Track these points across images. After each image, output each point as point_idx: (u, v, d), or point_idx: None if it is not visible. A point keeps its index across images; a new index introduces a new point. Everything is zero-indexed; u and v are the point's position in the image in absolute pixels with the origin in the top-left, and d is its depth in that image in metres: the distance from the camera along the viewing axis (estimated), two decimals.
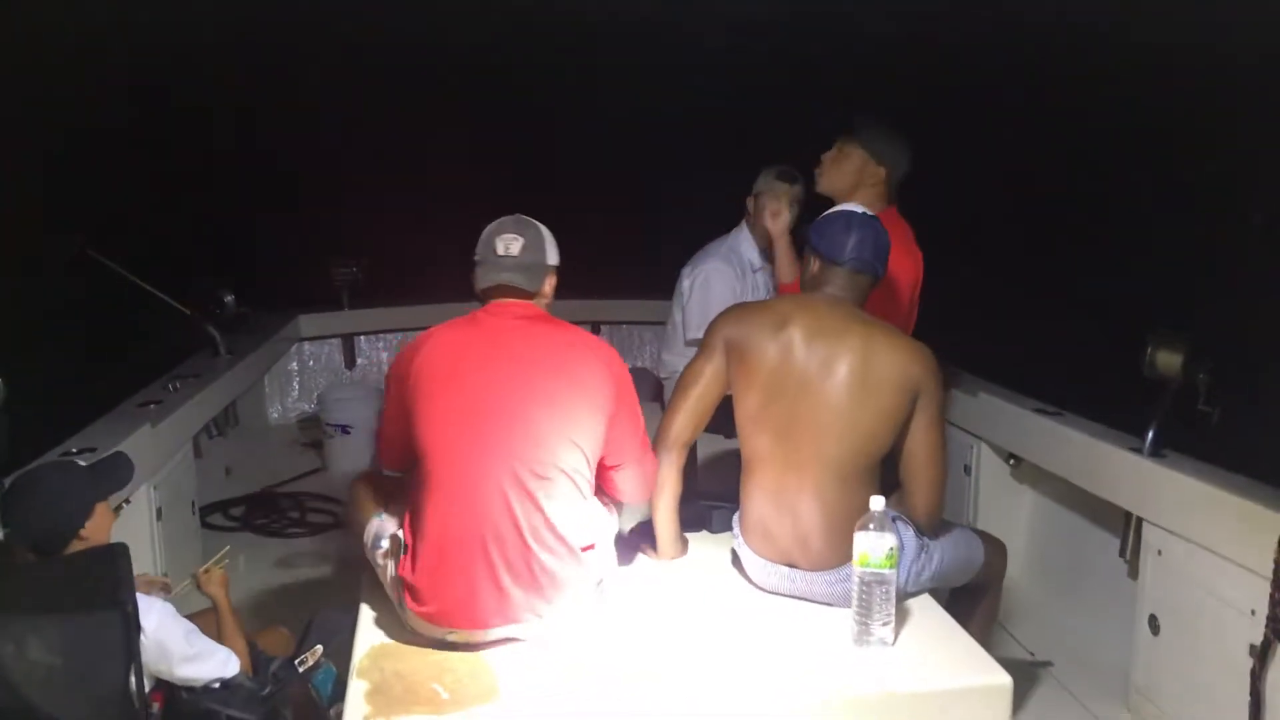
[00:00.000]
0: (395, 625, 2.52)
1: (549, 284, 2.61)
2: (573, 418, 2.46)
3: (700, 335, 4.26)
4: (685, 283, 4.40)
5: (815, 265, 2.70)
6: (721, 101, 7.45)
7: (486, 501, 2.38)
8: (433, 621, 2.42)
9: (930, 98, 6.23)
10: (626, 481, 2.69)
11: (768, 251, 4.41)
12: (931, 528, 2.68)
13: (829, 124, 3.70)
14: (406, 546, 2.47)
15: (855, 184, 3.60)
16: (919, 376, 2.54)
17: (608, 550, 2.69)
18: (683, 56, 7.10)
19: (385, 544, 2.58)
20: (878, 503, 2.34)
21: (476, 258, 2.59)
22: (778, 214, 3.84)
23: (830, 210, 2.78)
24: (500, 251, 2.54)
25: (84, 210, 5.82)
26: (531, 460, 2.40)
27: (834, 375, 2.54)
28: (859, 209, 2.72)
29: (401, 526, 2.55)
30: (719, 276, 4.31)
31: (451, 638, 2.42)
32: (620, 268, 6.31)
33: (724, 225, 4.49)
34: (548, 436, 2.42)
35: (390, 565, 2.53)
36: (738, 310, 2.83)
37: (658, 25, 6.66)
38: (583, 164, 7.83)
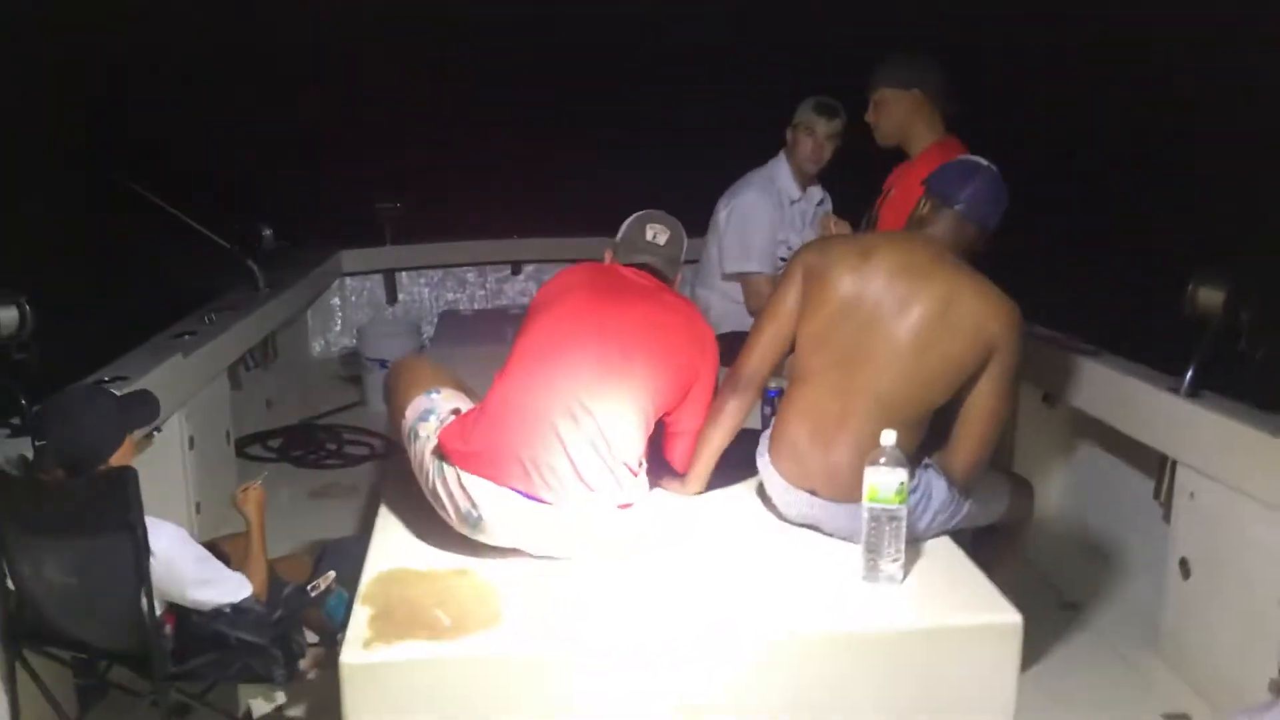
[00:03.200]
0: (405, 551, 2.53)
1: (678, 280, 2.88)
2: (657, 370, 2.59)
3: (738, 268, 4.26)
4: (721, 214, 4.33)
5: (926, 205, 2.64)
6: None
7: (565, 387, 2.49)
8: (462, 463, 2.46)
9: (985, 41, 6.12)
10: (680, 449, 2.78)
11: (806, 182, 4.34)
12: (965, 486, 2.59)
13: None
14: (456, 413, 2.61)
15: (904, 123, 3.58)
16: (997, 334, 2.45)
17: (642, 513, 2.66)
18: None
19: (434, 418, 2.63)
20: (888, 437, 2.28)
21: (620, 238, 2.85)
22: (816, 156, 4.04)
23: (957, 158, 2.74)
24: (649, 238, 2.81)
25: (124, 143, 5.87)
26: (609, 382, 2.51)
27: (907, 314, 2.47)
28: (984, 160, 2.66)
29: (460, 408, 2.66)
30: (756, 207, 4.24)
31: (474, 489, 2.44)
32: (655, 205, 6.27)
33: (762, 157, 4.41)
34: (632, 361, 2.56)
35: (432, 434, 2.57)
36: (825, 241, 2.82)
37: None
38: (618, 99, 7.78)
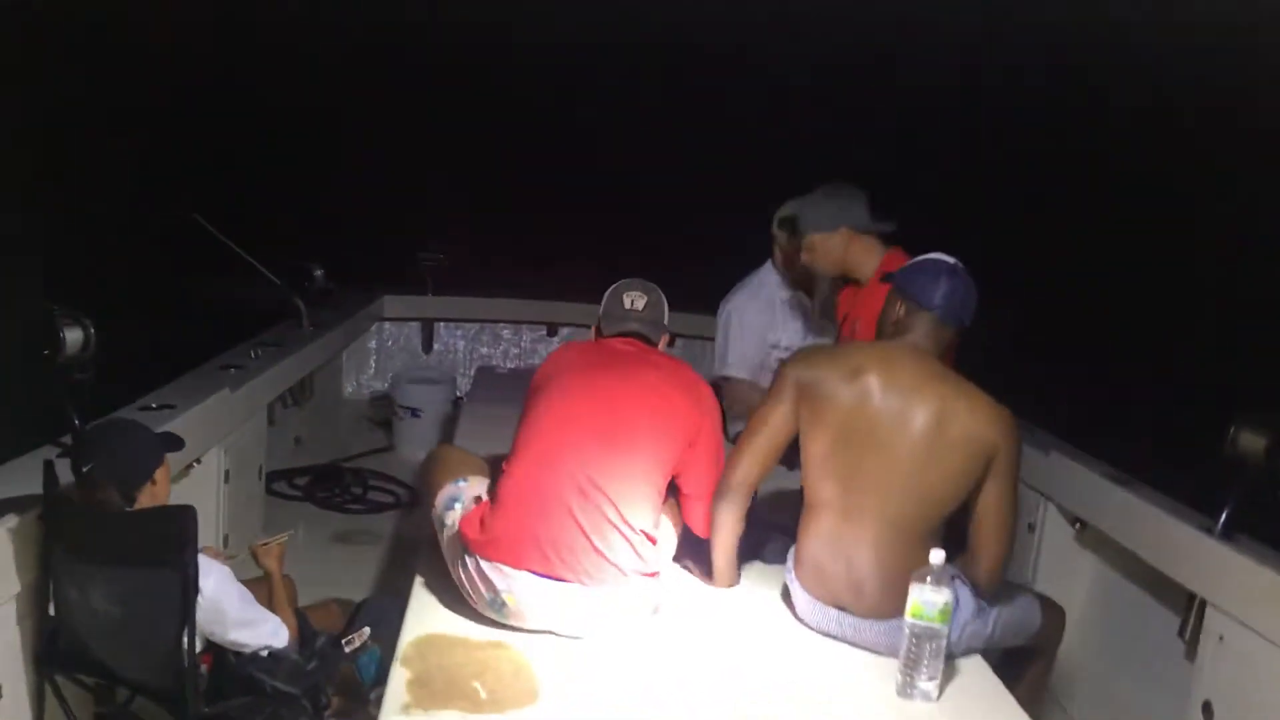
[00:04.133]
0: (444, 618, 2.56)
1: (663, 342, 2.91)
2: (659, 431, 2.65)
3: (726, 371, 4.30)
4: (720, 318, 4.40)
5: (901, 310, 2.65)
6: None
7: (572, 466, 2.55)
8: (480, 551, 2.50)
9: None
10: (699, 513, 2.81)
11: (798, 284, 4.35)
12: (991, 592, 2.62)
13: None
14: (479, 500, 2.65)
15: (840, 260, 3.68)
16: (995, 441, 2.48)
17: (667, 579, 2.73)
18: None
19: (459, 506, 2.68)
20: (938, 556, 2.31)
21: (601, 312, 2.90)
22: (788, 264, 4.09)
23: (920, 257, 2.75)
24: (628, 305, 2.86)
25: (190, 180, 6.02)
26: (613, 453, 2.57)
27: (906, 432, 2.50)
28: (950, 258, 2.69)
29: (483, 495, 2.70)
30: (742, 311, 4.28)
31: (494, 575, 2.48)
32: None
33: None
34: (636, 430, 2.62)
35: (456, 522, 2.63)
36: (810, 353, 2.83)
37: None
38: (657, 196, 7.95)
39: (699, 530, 2.84)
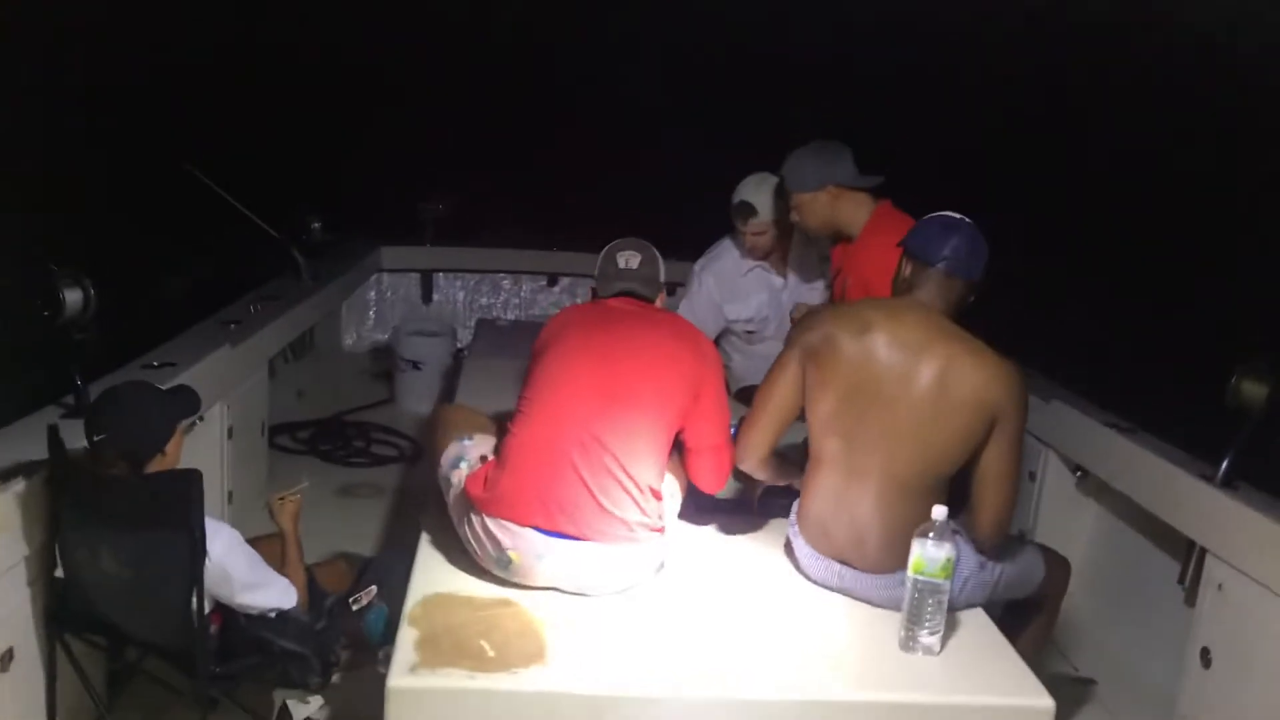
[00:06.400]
0: (450, 576, 2.58)
1: (660, 298, 2.90)
2: (662, 385, 2.65)
3: None
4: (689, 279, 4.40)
5: (908, 268, 2.64)
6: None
7: (575, 424, 2.55)
8: (486, 509, 2.52)
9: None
10: (704, 468, 2.81)
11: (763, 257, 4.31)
12: (992, 550, 2.63)
13: None
14: (484, 459, 2.67)
15: (829, 218, 3.67)
16: (1000, 400, 2.47)
17: (672, 535, 2.75)
18: None
19: (464, 465, 2.70)
20: (940, 511, 2.32)
21: (597, 272, 2.90)
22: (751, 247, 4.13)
23: (926, 216, 2.73)
24: (622, 265, 2.85)
25: (184, 131, 5.96)
26: (615, 408, 2.58)
27: (911, 390, 2.49)
28: (955, 215, 2.67)
29: (488, 454, 2.72)
30: (697, 279, 4.30)
31: (500, 532, 2.50)
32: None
33: None
34: (637, 386, 2.62)
35: (462, 480, 2.65)
36: (818, 313, 2.81)
37: None
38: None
39: (703, 486, 2.85)
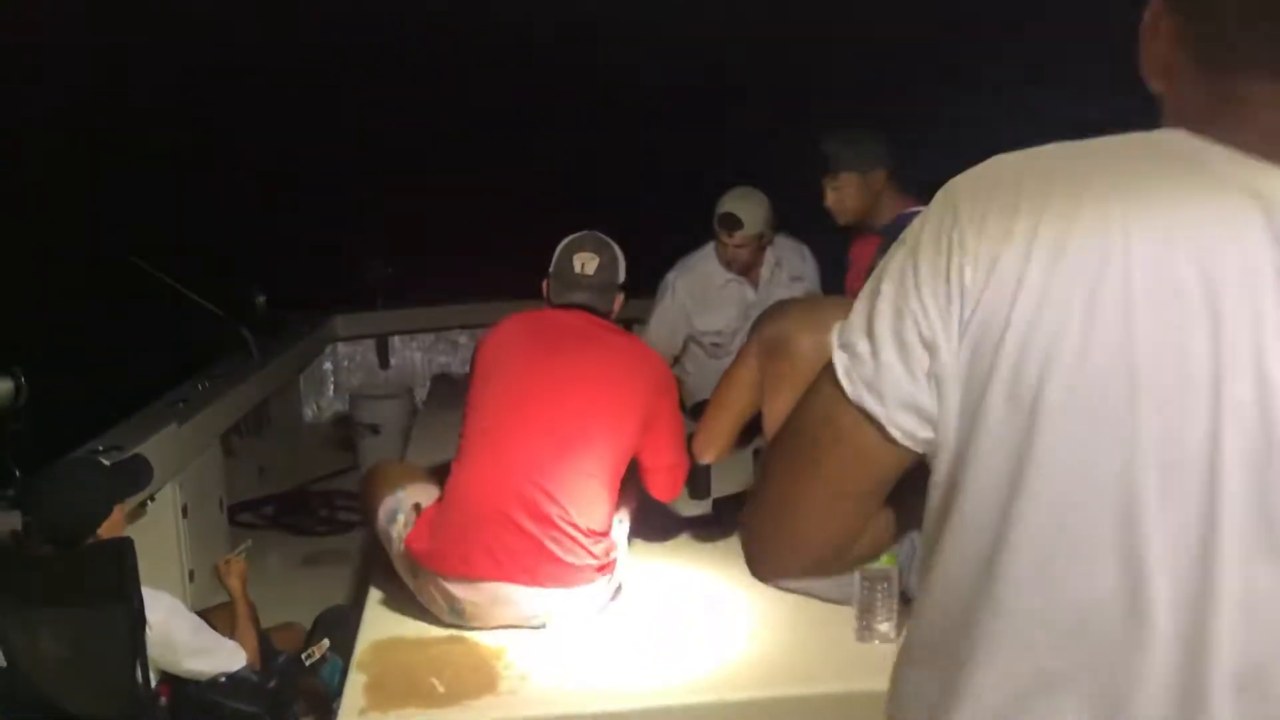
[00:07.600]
0: (399, 619, 2.54)
1: (617, 303, 2.80)
2: (612, 422, 2.58)
3: (646, 336, 4.23)
4: (660, 288, 4.36)
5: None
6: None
7: (520, 474, 2.47)
8: (432, 566, 2.46)
9: None
10: (659, 484, 2.78)
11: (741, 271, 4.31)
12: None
13: None
14: (418, 508, 2.59)
15: (869, 205, 3.56)
16: None
17: (622, 564, 2.69)
18: None
19: (401, 517, 2.63)
20: None
21: (552, 270, 2.77)
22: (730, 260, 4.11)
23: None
24: (577, 270, 2.72)
25: (122, 212, 5.96)
26: (565, 454, 2.50)
27: None
28: None
29: (422, 502, 2.64)
30: (667, 289, 4.28)
31: (451, 587, 2.45)
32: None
33: None
34: (587, 425, 2.54)
35: (402, 535, 2.58)
36: (778, 307, 2.79)
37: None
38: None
39: (658, 496, 2.82)
